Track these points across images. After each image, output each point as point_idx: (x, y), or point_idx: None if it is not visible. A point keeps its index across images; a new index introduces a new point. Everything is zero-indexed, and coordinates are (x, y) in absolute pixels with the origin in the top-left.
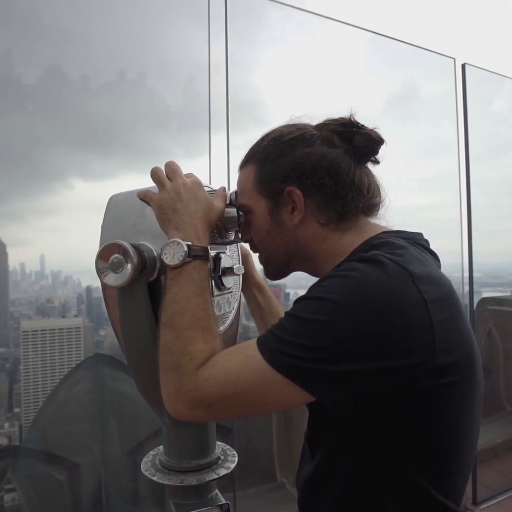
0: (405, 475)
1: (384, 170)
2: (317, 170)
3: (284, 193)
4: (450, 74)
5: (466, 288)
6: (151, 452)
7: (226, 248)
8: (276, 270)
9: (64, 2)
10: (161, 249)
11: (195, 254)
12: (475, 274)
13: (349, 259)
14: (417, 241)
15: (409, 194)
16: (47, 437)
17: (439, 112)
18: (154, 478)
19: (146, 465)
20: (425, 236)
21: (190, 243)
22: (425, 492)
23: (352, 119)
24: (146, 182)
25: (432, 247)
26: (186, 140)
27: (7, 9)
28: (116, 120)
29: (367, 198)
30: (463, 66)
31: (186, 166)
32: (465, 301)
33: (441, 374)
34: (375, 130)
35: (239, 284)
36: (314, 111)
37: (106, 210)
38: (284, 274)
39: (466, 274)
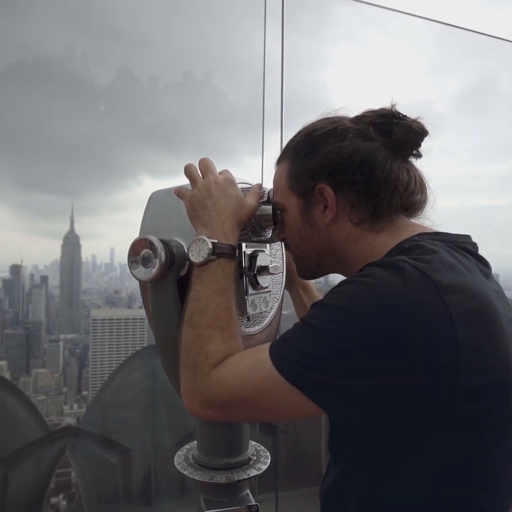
0: (424, 502)
1: (454, 168)
2: (349, 166)
3: (315, 191)
4: None
5: None
6: (186, 446)
7: (266, 246)
8: (306, 270)
9: (135, 8)
10: (188, 245)
11: (220, 252)
12: None
13: (371, 263)
14: (459, 244)
15: (482, 194)
16: (102, 421)
17: None
18: (185, 473)
19: (179, 459)
20: (501, 239)
21: (215, 241)
22: None
23: (393, 110)
24: None
25: (505, 251)
26: (250, 137)
27: (85, 17)
28: (183, 119)
29: (404, 196)
30: None
31: (247, 164)
32: None
33: (468, 398)
34: (417, 120)
35: (281, 284)
36: (383, 106)
37: (146, 205)
38: (315, 274)
39: None
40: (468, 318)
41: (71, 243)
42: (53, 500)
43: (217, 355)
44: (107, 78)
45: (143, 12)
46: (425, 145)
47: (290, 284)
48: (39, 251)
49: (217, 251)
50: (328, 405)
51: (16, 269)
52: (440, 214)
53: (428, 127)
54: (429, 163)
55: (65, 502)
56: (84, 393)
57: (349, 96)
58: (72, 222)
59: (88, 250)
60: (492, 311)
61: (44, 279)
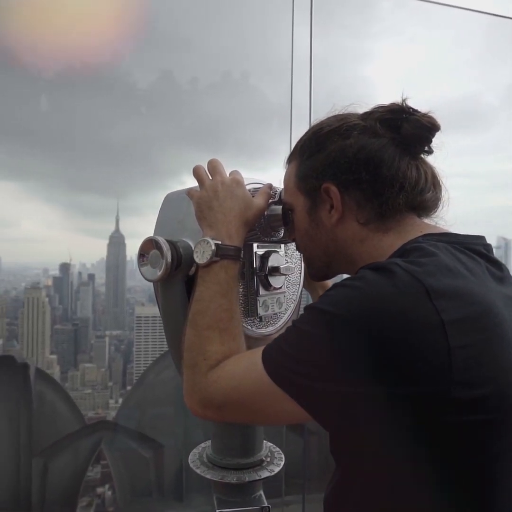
0: None
1: (505, 164)
2: (353, 164)
3: (321, 191)
4: None
5: None
6: (201, 445)
7: (280, 247)
8: (317, 271)
9: (175, 12)
10: (194, 246)
11: (224, 254)
12: None
13: (365, 266)
14: (468, 246)
15: None
16: (136, 416)
17: None
18: (198, 471)
19: (194, 457)
20: None
21: (219, 242)
22: None
23: (403, 105)
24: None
25: None
26: (289, 136)
27: (127, 20)
28: (223, 119)
29: (411, 194)
30: None
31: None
32: None
33: (464, 410)
34: (428, 114)
35: (297, 285)
36: (429, 101)
37: (161, 206)
38: (326, 276)
39: None
40: (464, 325)
41: (116, 242)
42: (99, 490)
43: (215, 357)
44: (148, 81)
45: (182, 15)
46: (475, 142)
47: (310, 285)
48: (87, 250)
49: (220, 253)
50: (315, 411)
51: (65, 267)
52: (487, 214)
53: (439, 121)
54: (476, 159)
55: (110, 492)
56: (129, 387)
57: (394, 91)
58: (117, 222)
59: (132, 249)
60: (494, 318)
61: (91, 277)
